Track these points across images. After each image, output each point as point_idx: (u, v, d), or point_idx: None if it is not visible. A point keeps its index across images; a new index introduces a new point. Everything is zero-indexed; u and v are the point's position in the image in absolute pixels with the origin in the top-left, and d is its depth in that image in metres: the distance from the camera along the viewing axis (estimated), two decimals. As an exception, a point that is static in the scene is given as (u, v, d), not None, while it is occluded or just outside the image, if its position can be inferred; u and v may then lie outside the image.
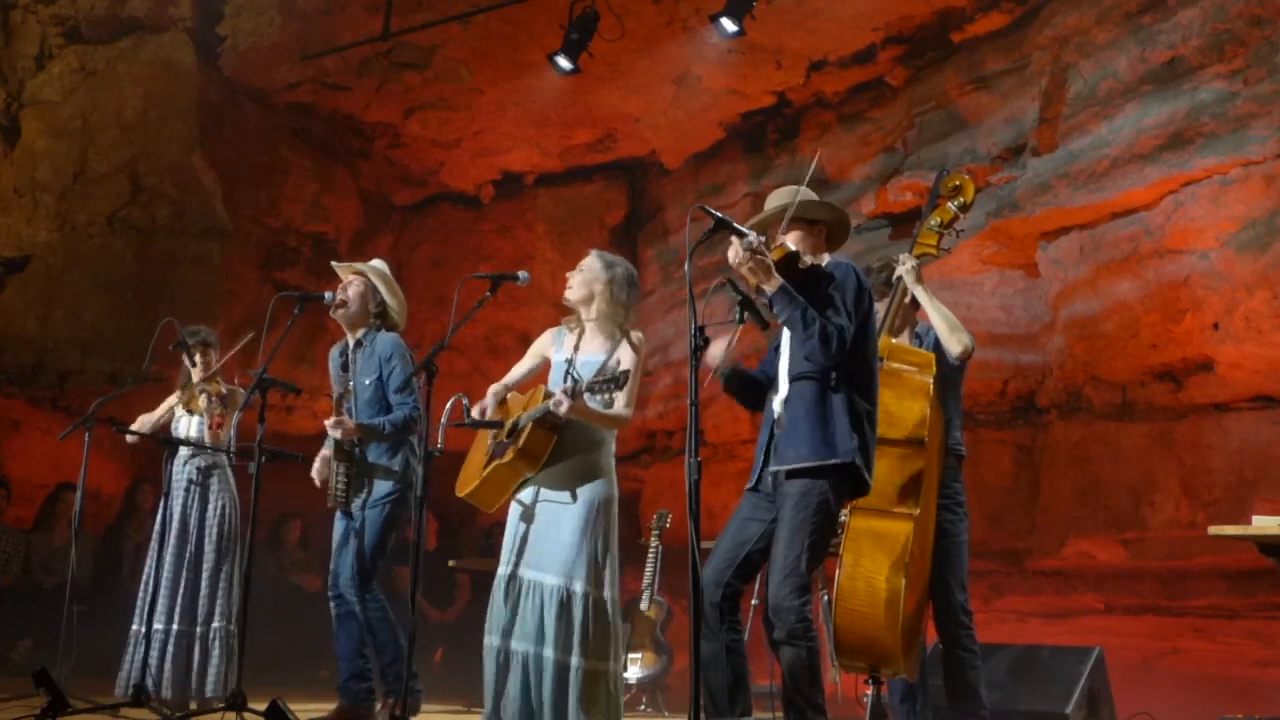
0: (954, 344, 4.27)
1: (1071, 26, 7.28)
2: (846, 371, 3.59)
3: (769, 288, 3.56)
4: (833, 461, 3.51)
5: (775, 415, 3.68)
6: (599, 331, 4.24)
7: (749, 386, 3.86)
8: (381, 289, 5.04)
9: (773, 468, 3.63)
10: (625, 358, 4.13)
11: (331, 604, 4.85)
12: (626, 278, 4.29)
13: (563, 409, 3.92)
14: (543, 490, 4.17)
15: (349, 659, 4.81)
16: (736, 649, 3.58)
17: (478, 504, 4.27)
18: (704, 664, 3.52)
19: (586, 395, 3.94)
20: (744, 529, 3.67)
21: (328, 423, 4.80)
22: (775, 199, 3.90)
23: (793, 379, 3.66)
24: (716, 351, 3.63)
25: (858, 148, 8.54)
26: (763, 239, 3.64)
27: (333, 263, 5.24)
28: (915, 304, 4.46)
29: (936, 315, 4.32)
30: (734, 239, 3.55)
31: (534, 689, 4.01)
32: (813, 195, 3.92)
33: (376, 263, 5.19)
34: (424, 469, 4.05)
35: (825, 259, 3.80)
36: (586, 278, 4.27)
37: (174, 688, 5.54)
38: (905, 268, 4.30)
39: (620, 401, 4.08)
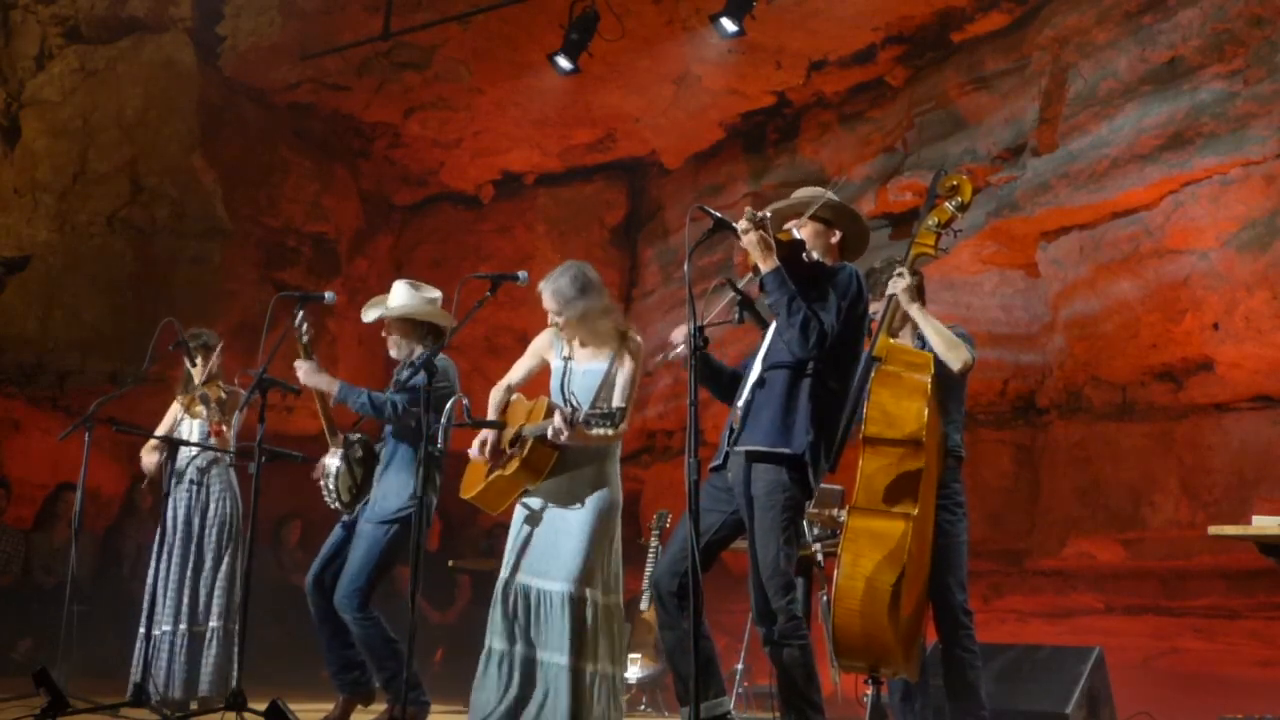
0: (954, 361, 4.24)
1: (1071, 26, 7.28)
2: (821, 370, 3.62)
3: (765, 266, 3.59)
4: (784, 450, 3.56)
5: (744, 398, 3.73)
6: (590, 339, 4.24)
7: (713, 377, 3.87)
8: (415, 317, 4.88)
9: (732, 448, 3.69)
10: (623, 370, 4.15)
11: (310, 602, 4.78)
12: (578, 287, 4.20)
13: (562, 439, 3.94)
14: (548, 497, 4.18)
15: (335, 651, 4.78)
16: (700, 632, 3.60)
17: (482, 507, 4.29)
18: (669, 652, 3.69)
19: (584, 427, 3.96)
20: (702, 519, 3.70)
21: (296, 361, 4.66)
22: (801, 194, 3.94)
23: (768, 366, 3.70)
24: (676, 339, 3.67)
25: (858, 148, 8.54)
26: (768, 216, 3.66)
27: (365, 319, 5.02)
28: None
29: (933, 333, 4.30)
30: (746, 211, 3.58)
31: (537, 694, 4.02)
32: (836, 200, 3.95)
33: (398, 293, 4.94)
34: (423, 469, 4.05)
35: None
36: (555, 315, 4.23)
37: (178, 688, 5.55)
38: (899, 287, 4.27)
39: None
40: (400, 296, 4.91)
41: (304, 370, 4.68)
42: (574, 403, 4.12)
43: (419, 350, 4.85)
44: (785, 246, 3.68)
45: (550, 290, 4.25)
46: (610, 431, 4.02)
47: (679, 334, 3.67)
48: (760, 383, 3.71)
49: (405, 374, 4.82)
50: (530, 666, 4.05)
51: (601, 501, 4.14)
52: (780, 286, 3.57)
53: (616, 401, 4.09)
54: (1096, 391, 7.31)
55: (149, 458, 5.86)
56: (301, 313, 4.72)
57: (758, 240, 3.58)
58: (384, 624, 4.68)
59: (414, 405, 4.62)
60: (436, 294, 4.97)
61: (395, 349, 4.92)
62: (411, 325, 4.87)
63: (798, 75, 8.44)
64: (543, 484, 4.17)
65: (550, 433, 3.96)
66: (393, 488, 4.72)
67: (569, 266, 4.31)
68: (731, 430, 3.73)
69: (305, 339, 4.72)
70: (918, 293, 4.38)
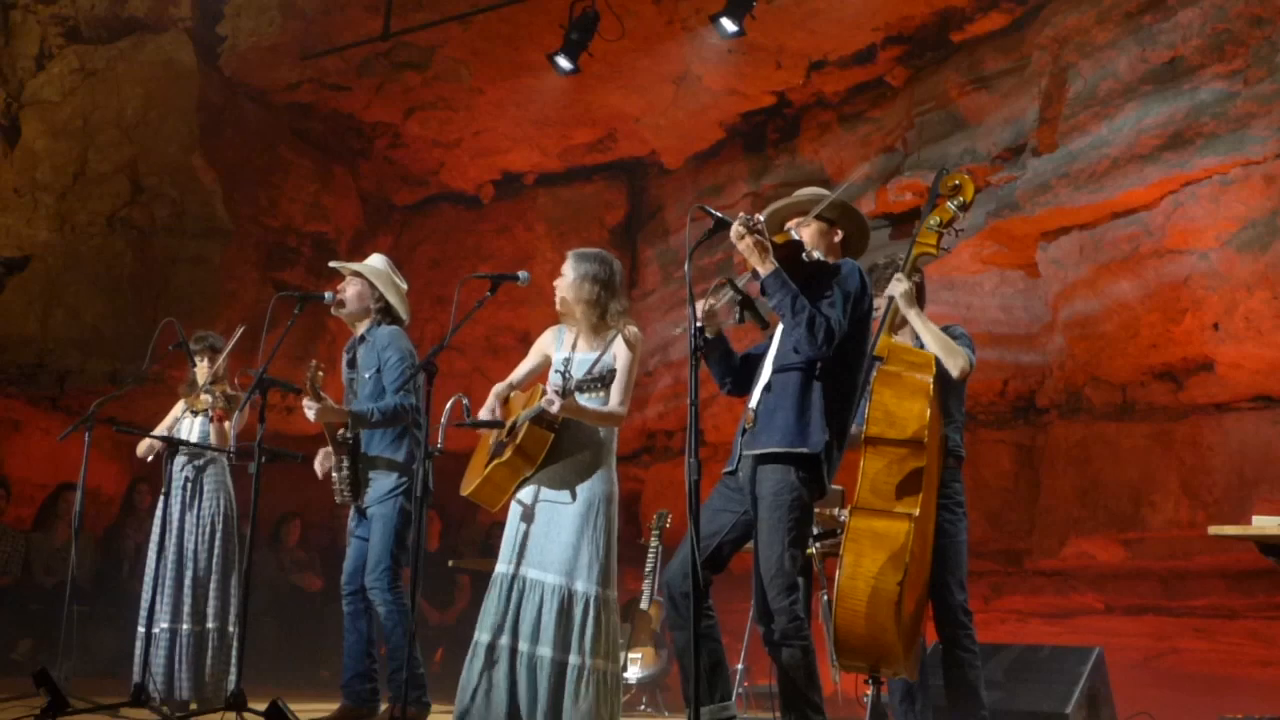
0: (952, 368, 4.25)
1: (1071, 26, 7.28)
2: (830, 369, 3.60)
3: (763, 269, 3.56)
4: (801, 450, 3.54)
5: (755, 403, 3.71)
6: (590, 330, 4.26)
7: (725, 358, 3.86)
8: (379, 286, 5.04)
9: (746, 452, 3.67)
10: (620, 354, 4.15)
11: (344, 602, 4.84)
12: (596, 273, 4.25)
13: (554, 408, 3.95)
14: (543, 489, 4.18)
15: (356, 658, 4.81)
16: (711, 634, 3.61)
17: (480, 503, 4.28)
18: (679, 653, 3.68)
19: (576, 394, 3.97)
20: (714, 520, 3.71)
21: (304, 402, 4.72)
22: (803, 194, 3.92)
23: (777, 369, 3.68)
24: (700, 307, 3.64)
25: (858, 148, 8.55)
26: (761, 219, 3.63)
27: (331, 263, 5.23)
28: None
29: (930, 339, 4.29)
30: (739, 216, 3.57)
31: (529, 688, 4.01)
32: (840, 200, 3.94)
33: (375, 260, 5.18)
34: (424, 468, 4.05)
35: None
36: (563, 284, 4.30)
37: (178, 688, 5.55)
38: (898, 290, 4.28)
39: (614, 398, 4.09)
40: (377, 262, 5.13)
41: (315, 411, 4.74)
42: (565, 374, 4.13)
43: (365, 324, 5.00)
44: (783, 248, 3.66)
45: (575, 261, 4.29)
46: (603, 399, 4.03)
47: (700, 307, 3.64)
48: (770, 386, 3.68)
49: (390, 371, 4.87)
50: (518, 659, 4.04)
51: (594, 493, 4.13)
52: (781, 287, 3.54)
53: (613, 387, 4.08)
54: (1096, 391, 7.31)
55: (144, 444, 5.89)
56: (315, 362, 4.85)
57: (753, 244, 3.55)
58: (410, 615, 4.70)
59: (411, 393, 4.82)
60: (405, 286, 5.18)
61: (339, 308, 5.01)
62: (370, 294, 5.00)
63: (798, 75, 8.44)
64: (538, 474, 4.16)
65: (543, 403, 3.97)
66: (383, 466, 4.85)
67: (606, 255, 4.37)
68: (744, 432, 3.72)
69: (317, 385, 4.79)
70: (917, 297, 4.38)
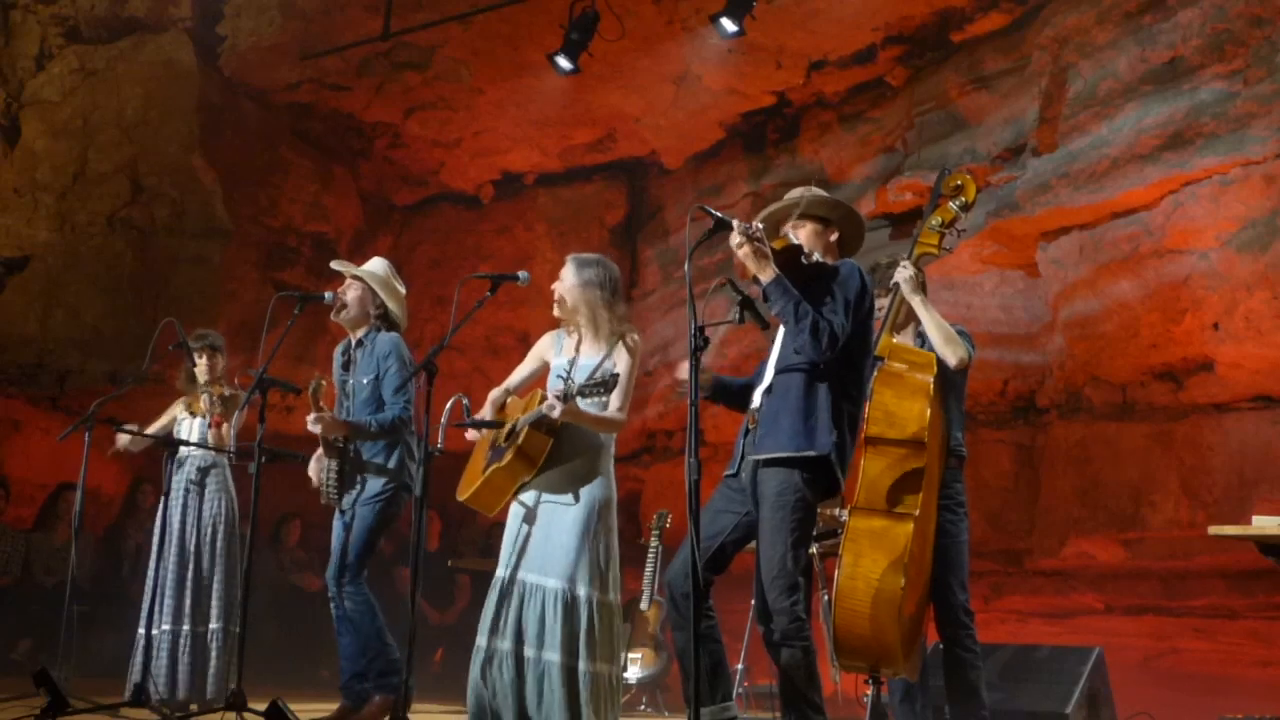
0: (950, 356, 4.25)
1: (1071, 26, 7.28)
2: (835, 370, 3.59)
3: (764, 277, 3.56)
4: (808, 453, 3.53)
5: (756, 405, 3.70)
6: (593, 335, 4.26)
7: (737, 396, 3.88)
8: (381, 292, 5.04)
9: (750, 456, 3.66)
10: (621, 361, 4.15)
11: (331, 605, 4.87)
12: (599, 278, 4.25)
13: (555, 413, 3.95)
14: (543, 493, 4.18)
15: (351, 659, 4.82)
16: (712, 635, 3.62)
17: (478, 508, 4.26)
18: (680, 653, 3.69)
19: (578, 399, 3.97)
20: (717, 521, 3.70)
21: (308, 417, 4.77)
22: (794, 194, 3.91)
23: (779, 370, 3.67)
24: (681, 374, 3.61)
25: (858, 148, 8.54)
26: (760, 227, 3.63)
27: (333, 263, 5.22)
28: None
29: (932, 326, 4.30)
30: (735, 224, 3.56)
31: (535, 693, 4.01)
32: (825, 195, 3.94)
33: (375, 264, 5.17)
34: (424, 469, 4.05)
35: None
36: (563, 288, 4.29)
37: (178, 689, 5.56)
38: (903, 276, 4.28)
39: (614, 404, 4.09)
40: (378, 267, 5.13)
41: (322, 425, 4.79)
42: (566, 379, 4.13)
43: (363, 329, 5.02)
44: (783, 253, 3.65)
45: (575, 265, 4.29)
46: (604, 404, 4.03)
47: (683, 370, 3.60)
48: (771, 388, 3.67)
49: (390, 381, 4.87)
50: (524, 664, 4.04)
51: (594, 496, 4.13)
52: (783, 294, 3.54)
53: (614, 393, 4.08)
54: (1096, 391, 7.31)
55: (124, 437, 5.87)
56: (319, 375, 4.90)
57: (753, 252, 3.54)
58: (372, 600, 4.76)
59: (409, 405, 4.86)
60: (404, 290, 5.21)
61: (339, 312, 5.01)
62: (370, 299, 5.02)
63: (798, 75, 8.44)
64: (537, 479, 4.16)
65: (544, 408, 3.97)
66: (372, 471, 4.87)
67: (606, 261, 4.36)
68: (746, 433, 3.71)
69: (319, 396, 4.84)
70: (921, 286, 4.38)
